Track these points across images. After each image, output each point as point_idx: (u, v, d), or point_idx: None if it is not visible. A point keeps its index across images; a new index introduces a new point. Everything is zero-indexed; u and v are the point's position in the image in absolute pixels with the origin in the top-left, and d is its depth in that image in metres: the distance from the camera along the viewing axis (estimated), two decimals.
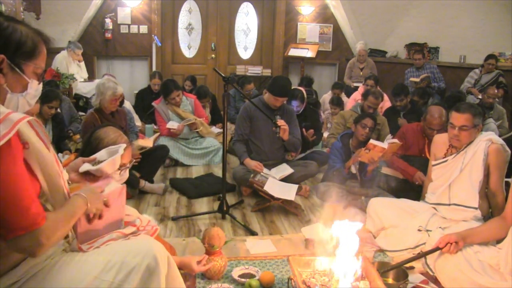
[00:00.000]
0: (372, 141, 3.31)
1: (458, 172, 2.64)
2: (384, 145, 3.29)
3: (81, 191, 1.39)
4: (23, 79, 1.26)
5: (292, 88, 4.18)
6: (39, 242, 1.18)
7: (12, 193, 1.13)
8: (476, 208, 2.56)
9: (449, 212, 2.65)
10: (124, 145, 1.78)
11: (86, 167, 1.62)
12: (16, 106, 1.26)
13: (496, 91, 5.34)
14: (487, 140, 2.61)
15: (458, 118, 2.62)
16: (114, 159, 1.67)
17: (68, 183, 1.51)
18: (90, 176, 1.64)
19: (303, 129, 4.35)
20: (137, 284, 1.36)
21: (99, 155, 1.70)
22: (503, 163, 2.62)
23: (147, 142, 3.39)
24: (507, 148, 2.64)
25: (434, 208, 2.75)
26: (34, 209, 1.17)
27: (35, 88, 1.30)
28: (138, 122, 5.38)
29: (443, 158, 2.78)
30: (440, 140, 2.87)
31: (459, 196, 2.63)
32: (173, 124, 4.58)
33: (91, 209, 1.40)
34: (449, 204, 2.66)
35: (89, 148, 1.91)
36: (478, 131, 2.65)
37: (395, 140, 3.47)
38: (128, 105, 5.60)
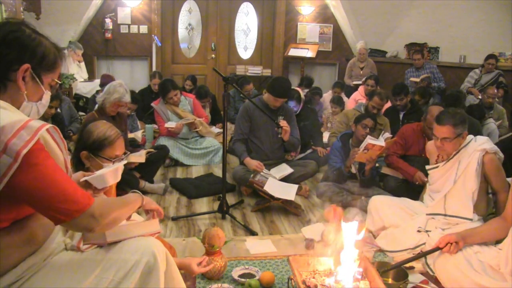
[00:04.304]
0: (370, 140, 3.30)
1: (452, 183, 2.62)
2: (382, 143, 3.29)
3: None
4: (41, 89, 1.33)
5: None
6: (95, 219, 1.26)
7: (56, 183, 1.20)
8: (471, 220, 2.55)
9: (445, 224, 2.65)
10: (125, 161, 1.80)
11: (86, 178, 1.63)
12: (28, 114, 1.31)
13: (495, 91, 5.34)
14: (482, 150, 2.56)
15: (439, 130, 2.57)
16: (116, 168, 1.67)
17: None
18: (90, 188, 1.65)
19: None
20: (137, 281, 1.37)
21: (99, 172, 1.70)
22: (499, 168, 2.61)
23: (139, 158, 3.42)
24: (500, 154, 2.63)
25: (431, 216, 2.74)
26: (80, 192, 1.25)
27: (47, 99, 1.36)
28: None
29: (435, 164, 2.76)
30: (431, 146, 2.83)
31: (454, 207, 2.62)
32: (171, 124, 4.59)
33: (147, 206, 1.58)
34: (445, 215, 2.66)
35: (81, 142, 1.95)
36: (463, 138, 2.60)
37: (388, 135, 3.48)
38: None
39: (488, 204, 2.70)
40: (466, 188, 2.58)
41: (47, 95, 1.35)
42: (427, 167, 2.83)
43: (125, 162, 1.76)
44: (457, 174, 2.61)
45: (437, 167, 2.72)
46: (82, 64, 6.81)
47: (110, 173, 1.65)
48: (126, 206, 1.44)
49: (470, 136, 2.66)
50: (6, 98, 1.24)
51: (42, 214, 1.23)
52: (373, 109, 4.34)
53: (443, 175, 2.69)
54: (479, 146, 2.58)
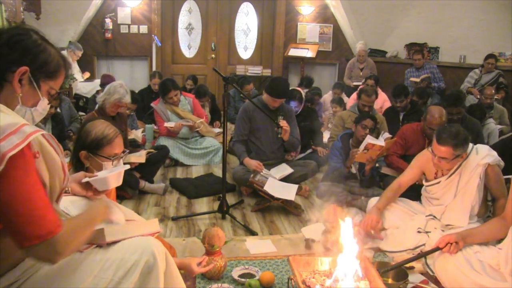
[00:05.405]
0: (370, 140, 3.30)
1: (453, 197, 2.61)
2: (382, 143, 3.29)
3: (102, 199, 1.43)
4: (37, 95, 1.30)
5: (290, 88, 4.19)
6: (56, 251, 1.17)
7: (27, 202, 1.14)
8: None
9: (444, 225, 2.65)
10: (128, 166, 1.80)
11: (88, 179, 1.62)
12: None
13: (493, 91, 5.33)
14: (484, 164, 2.53)
15: (438, 149, 2.52)
16: (119, 172, 1.67)
17: (67, 191, 1.52)
18: (91, 189, 1.64)
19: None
20: (136, 281, 1.37)
21: (100, 173, 1.70)
22: (500, 176, 2.60)
23: (140, 158, 3.43)
24: (501, 162, 2.62)
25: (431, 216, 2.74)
26: (50, 217, 1.17)
27: (43, 107, 1.34)
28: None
29: (435, 179, 2.72)
30: (423, 162, 2.78)
31: (451, 217, 2.62)
32: (171, 123, 4.59)
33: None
34: (441, 222, 2.66)
35: (79, 142, 1.94)
36: (462, 158, 2.56)
37: (388, 135, 3.47)
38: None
39: (487, 208, 2.70)
40: (466, 201, 2.57)
41: (43, 103, 1.32)
42: (425, 183, 2.78)
43: (127, 167, 1.76)
44: (457, 188, 2.60)
45: (439, 182, 2.68)
46: (86, 74, 6.84)
47: (113, 177, 1.65)
48: (92, 224, 1.36)
49: (470, 145, 2.60)
50: (0, 99, 1.23)
51: (7, 231, 1.16)
52: (364, 107, 4.32)
53: (443, 188, 2.67)
54: (481, 160, 2.55)
